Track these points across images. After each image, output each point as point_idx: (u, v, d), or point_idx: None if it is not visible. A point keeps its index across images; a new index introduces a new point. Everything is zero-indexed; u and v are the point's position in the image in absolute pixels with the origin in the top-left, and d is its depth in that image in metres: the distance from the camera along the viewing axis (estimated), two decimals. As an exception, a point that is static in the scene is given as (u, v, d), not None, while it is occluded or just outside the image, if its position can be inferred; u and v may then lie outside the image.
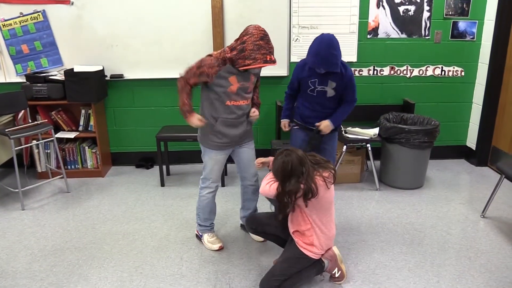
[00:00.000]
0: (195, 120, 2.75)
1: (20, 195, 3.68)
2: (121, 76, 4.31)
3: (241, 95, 2.76)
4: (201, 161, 2.94)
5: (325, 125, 3.06)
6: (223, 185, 4.08)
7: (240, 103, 2.78)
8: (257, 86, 2.94)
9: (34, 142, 4.10)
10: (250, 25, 2.62)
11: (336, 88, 2.99)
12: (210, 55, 2.69)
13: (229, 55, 2.62)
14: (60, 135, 4.21)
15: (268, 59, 2.57)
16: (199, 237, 3.15)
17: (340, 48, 2.85)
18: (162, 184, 4.13)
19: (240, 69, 2.64)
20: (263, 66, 2.61)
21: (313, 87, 3.03)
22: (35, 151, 4.22)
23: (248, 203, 3.17)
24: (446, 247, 3.06)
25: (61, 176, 4.08)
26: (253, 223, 2.82)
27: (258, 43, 2.54)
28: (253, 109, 2.92)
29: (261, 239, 3.11)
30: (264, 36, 2.57)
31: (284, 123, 3.29)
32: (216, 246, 3.04)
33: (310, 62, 2.90)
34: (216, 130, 2.80)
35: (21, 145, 4.13)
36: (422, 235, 3.22)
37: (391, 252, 2.99)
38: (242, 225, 3.31)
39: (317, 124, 3.09)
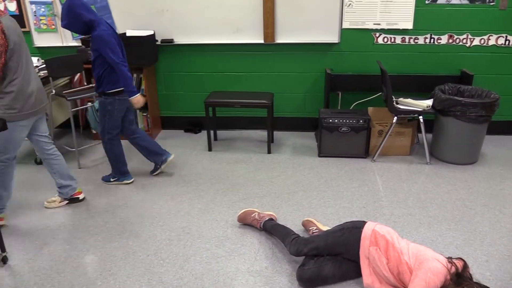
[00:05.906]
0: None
1: (76, 154, 3.88)
2: (171, 41, 4.35)
3: None
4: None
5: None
6: (269, 152, 4.10)
7: None
8: None
9: (89, 104, 4.27)
10: None
11: (91, 50, 3.06)
12: None
13: None
14: (113, 98, 4.34)
15: None
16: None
17: (88, 7, 2.98)
18: (210, 149, 4.21)
19: None
20: None
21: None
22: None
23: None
24: (498, 226, 2.95)
25: (114, 137, 4.23)
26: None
27: None
28: None
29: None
30: None
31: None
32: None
33: None
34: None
35: (77, 107, 4.31)
36: (472, 213, 3.11)
37: (439, 228, 2.92)
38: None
39: None
